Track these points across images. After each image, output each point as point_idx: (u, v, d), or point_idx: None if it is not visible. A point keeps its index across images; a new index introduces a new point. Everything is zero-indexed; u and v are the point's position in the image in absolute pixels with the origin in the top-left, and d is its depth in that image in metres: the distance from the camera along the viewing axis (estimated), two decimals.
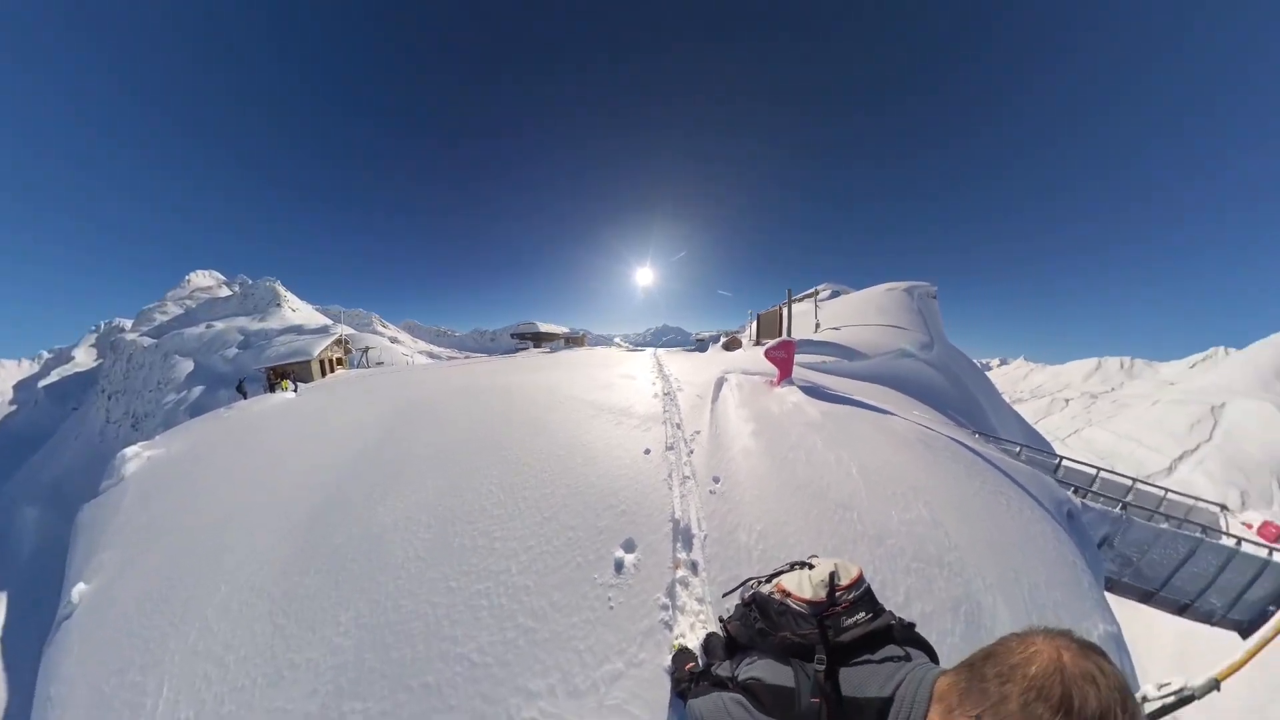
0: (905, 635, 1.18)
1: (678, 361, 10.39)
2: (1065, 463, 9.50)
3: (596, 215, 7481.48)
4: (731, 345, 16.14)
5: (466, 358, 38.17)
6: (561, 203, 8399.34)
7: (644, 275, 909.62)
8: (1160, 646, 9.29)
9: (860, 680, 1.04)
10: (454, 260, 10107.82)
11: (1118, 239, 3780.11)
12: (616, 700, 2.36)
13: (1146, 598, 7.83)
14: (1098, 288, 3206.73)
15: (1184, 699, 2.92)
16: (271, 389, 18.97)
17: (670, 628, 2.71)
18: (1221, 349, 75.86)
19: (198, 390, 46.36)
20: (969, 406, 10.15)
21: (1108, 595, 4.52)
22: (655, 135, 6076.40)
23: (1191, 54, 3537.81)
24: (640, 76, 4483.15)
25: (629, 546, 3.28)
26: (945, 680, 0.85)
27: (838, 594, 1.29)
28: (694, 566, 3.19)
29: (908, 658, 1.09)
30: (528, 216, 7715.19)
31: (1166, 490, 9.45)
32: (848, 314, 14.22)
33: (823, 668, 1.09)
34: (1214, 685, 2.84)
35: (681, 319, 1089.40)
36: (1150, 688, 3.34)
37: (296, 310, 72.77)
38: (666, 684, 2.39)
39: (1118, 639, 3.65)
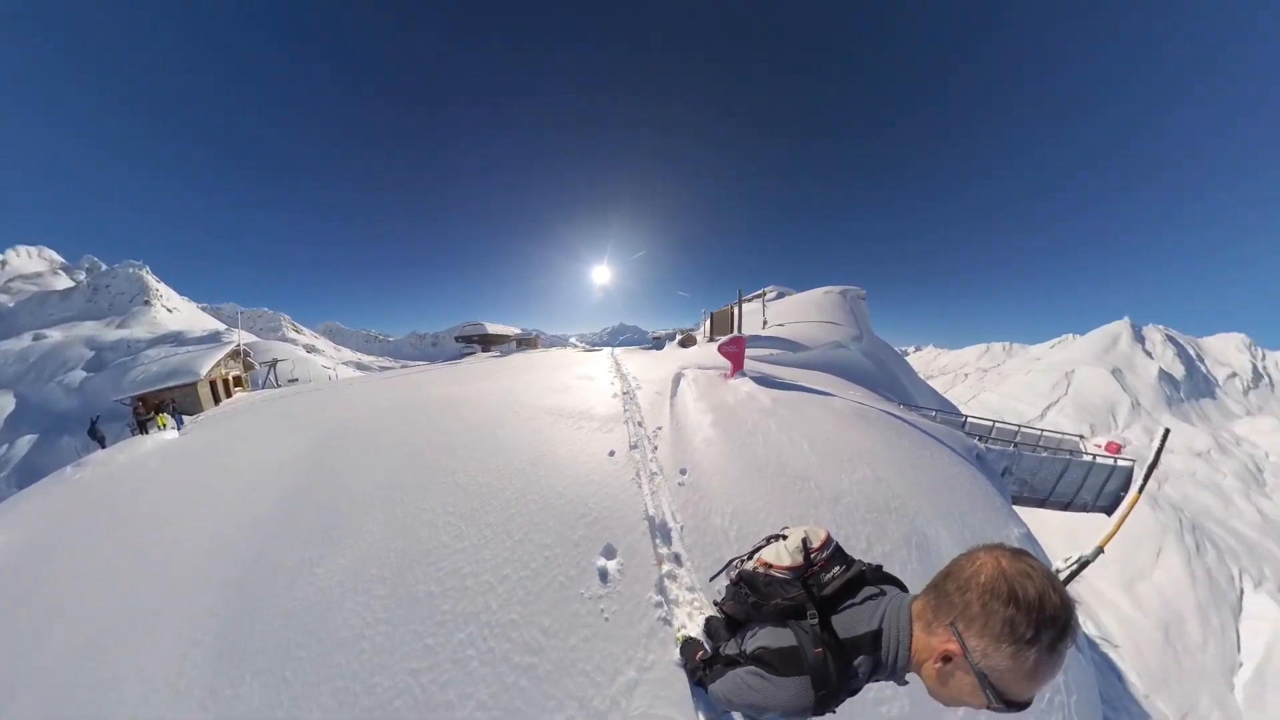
0: (877, 576, 1.34)
1: (636, 360, 10.22)
2: (969, 420, 11.62)
3: (552, 209, 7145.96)
4: (687, 342, 16.48)
5: (403, 367, 32.94)
6: (513, 192, 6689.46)
7: (601, 273, 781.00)
8: (1056, 535, 12.12)
9: (850, 622, 1.20)
10: (388, 251, 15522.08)
11: (996, 244, 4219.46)
12: (641, 708, 2.26)
13: (1041, 504, 10.47)
14: (987, 284, 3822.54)
15: (1083, 564, 3.92)
16: (143, 428, 13.93)
17: (669, 622, 2.68)
18: (1070, 335, 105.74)
19: (25, 442, 29.87)
20: (893, 385, 12.03)
21: (1015, 508, 5.44)
22: (618, 131, 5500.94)
23: (1058, 67, 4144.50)
24: (606, 68, 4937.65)
25: (609, 553, 3.15)
26: (918, 603, 1.06)
27: (812, 556, 1.45)
28: (677, 558, 3.19)
29: (883, 593, 1.25)
30: (475, 205, 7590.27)
31: (1042, 431, 12.13)
32: (791, 312, 16.14)
33: (816, 621, 1.24)
34: (1099, 551, 3.94)
35: (639, 318, 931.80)
36: (1059, 562, 4.30)
37: (174, 310, 52.68)
38: (683, 678, 2.34)
39: (1029, 536, 4.68)
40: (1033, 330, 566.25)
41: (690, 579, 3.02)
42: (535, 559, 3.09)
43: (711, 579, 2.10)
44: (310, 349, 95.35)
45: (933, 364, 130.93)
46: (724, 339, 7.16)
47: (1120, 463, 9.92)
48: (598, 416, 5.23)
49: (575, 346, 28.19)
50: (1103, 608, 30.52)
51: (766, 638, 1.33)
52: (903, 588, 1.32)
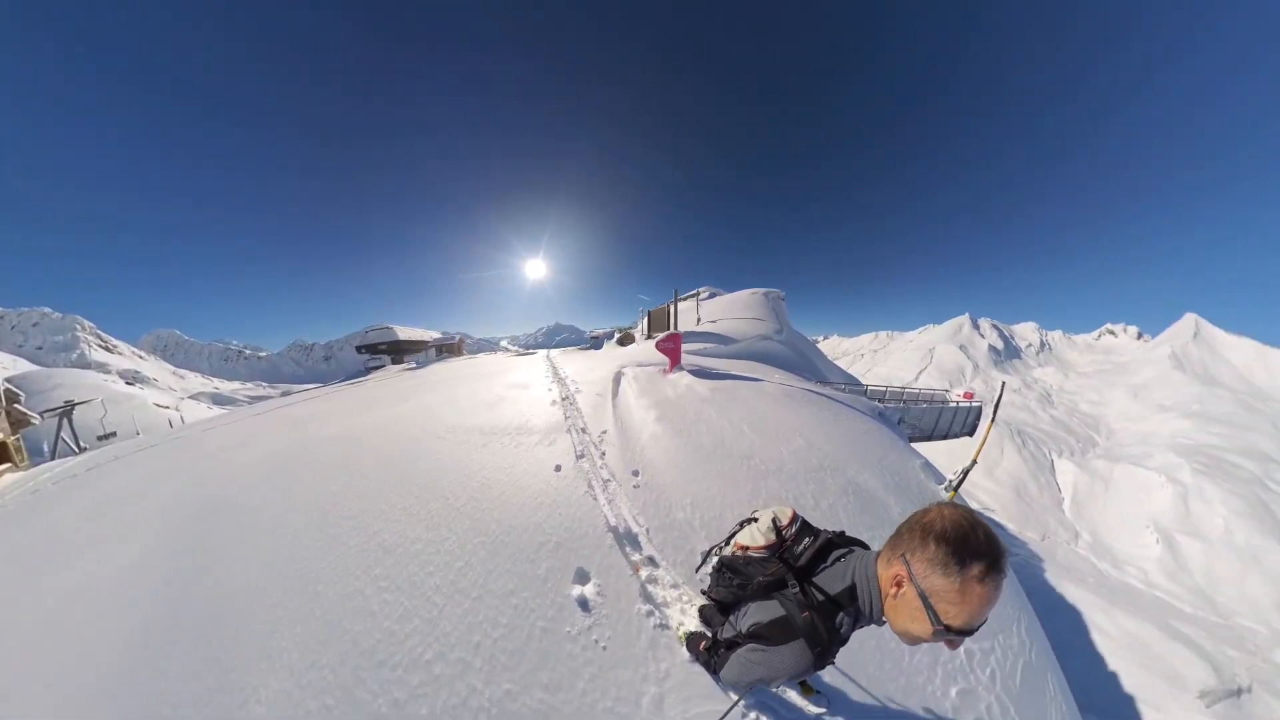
0: (841, 540, 1.50)
1: (574, 361, 9.74)
2: (869, 388, 14.68)
3: (478, 193, 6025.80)
4: (625, 340, 16.20)
5: (284, 394, 21.17)
6: (429, 170, 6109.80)
7: (536, 268, 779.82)
8: (941, 458, 15.15)
9: (827, 583, 1.34)
10: (256, 231, 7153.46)
11: (880, 248, 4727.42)
12: (678, 715, 2.07)
13: (927, 439, 14.02)
14: (874, 282, 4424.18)
15: (966, 471, 4.78)
16: None
17: (667, 625, 2.51)
18: (930, 324, 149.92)
19: None
20: (810, 368, 14.13)
21: (912, 445, 6.92)
22: (553, 108, 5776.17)
23: (939, 96, 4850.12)
24: (536, 41, 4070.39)
25: (582, 578, 2.83)
26: (882, 554, 1.24)
27: (783, 532, 1.61)
28: (652, 561, 3.03)
29: (851, 553, 1.41)
30: (380, 183, 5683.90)
31: (919, 390, 15.75)
32: (722, 310, 17.41)
33: (797, 589, 1.37)
34: (974, 462, 4.93)
35: (577, 317, 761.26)
36: (950, 475, 5.00)
37: None
38: (701, 671, 2.21)
39: (926, 464, 5.50)
40: (906, 320, 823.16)
41: (671, 576, 2.89)
42: (504, 613, 2.57)
43: (696, 570, 2.14)
44: (133, 378, 66.91)
45: (837, 349, 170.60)
46: (661, 336, 7.22)
47: (973, 404, 14.27)
48: (537, 429, 4.78)
49: (507, 351, 25.29)
50: (977, 490, 49.33)
51: (757, 613, 1.45)
52: (865, 546, 1.47)
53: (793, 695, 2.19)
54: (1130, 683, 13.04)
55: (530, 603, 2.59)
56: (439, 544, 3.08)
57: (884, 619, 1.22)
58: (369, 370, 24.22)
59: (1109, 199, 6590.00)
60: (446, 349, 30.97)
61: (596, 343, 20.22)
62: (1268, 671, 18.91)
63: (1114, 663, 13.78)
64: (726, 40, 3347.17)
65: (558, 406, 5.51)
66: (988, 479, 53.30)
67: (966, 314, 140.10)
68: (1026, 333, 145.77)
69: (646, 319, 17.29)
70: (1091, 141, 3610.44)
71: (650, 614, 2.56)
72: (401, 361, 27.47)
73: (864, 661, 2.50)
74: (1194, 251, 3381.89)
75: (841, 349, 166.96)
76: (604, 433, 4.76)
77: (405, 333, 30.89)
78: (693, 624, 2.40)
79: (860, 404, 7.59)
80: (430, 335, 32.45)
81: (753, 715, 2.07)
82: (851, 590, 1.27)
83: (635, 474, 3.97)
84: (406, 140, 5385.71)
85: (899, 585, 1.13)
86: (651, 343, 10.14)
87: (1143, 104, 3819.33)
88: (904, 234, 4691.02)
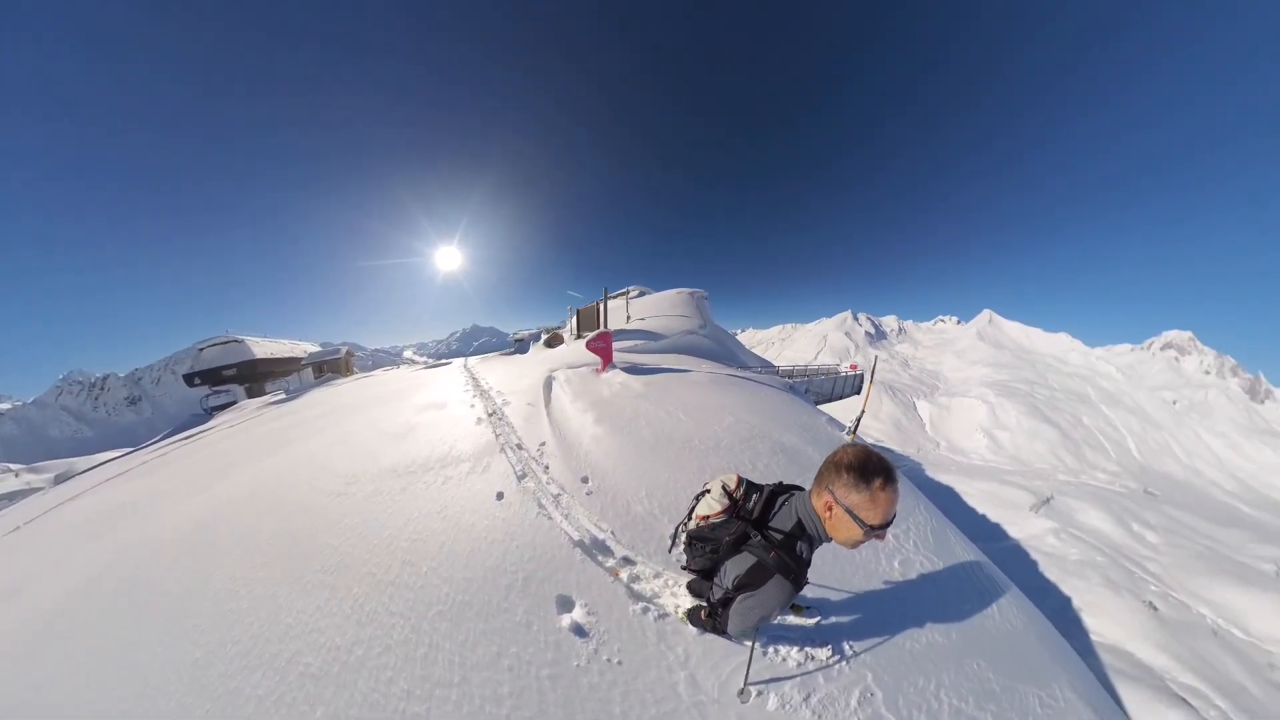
0: (781, 488, 1.80)
1: (497, 369, 8.56)
2: (780, 369, 17.63)
3: (375, 158, 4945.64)
4: (554, 341, 15.04)
5: (57, 480, 12.97)
6: (297, 117, 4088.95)
7: (450, 257, 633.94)
8: (841, 413, 17.77)
9: (780, 524, 1.66)
10: None
11: (786, 246, 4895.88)
12: (717, 686, 2.09)
13: (828, 401, 17.91)
14: (781, 279, 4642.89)
15: (858, 419, 5.71)
16: None
17: (665, 613, 2.48)
18: (823, 318, 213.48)
19: None
20: (731, 357, 15.13)
21: (818, 407, 7.88)
22: (477, 77, 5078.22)
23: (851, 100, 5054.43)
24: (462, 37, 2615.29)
25: (566, 604, 2.53)
26: (812, 491, 1.58)
27: (734, 495, 1.84)
28: (628, 560, 2.92)
29: (791, 496, 1.73)
30: (220, 129, 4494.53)
31: (819, 366, 20.25)
32: (651, 309, 17.81)
33: (759, 536, 1.65)
34: (863, 411, 5.86)
35: (498, 317, 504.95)
36: (848, 424, 5.74)
37: None
38: (717, 639, 2.26)
39: (830, 420, 6.39)
40: (805, 314, 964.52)
41: (650, 567, 2.83)
42: (500, 683, 2.09)
43: (669, 551, 2.30)
44: None
45: (753, 339, 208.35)
46: (592, 335, 7.04)
47: (857, 373, 19.73)
48: (466, 455, 4.20)
49: (413, 363, 20.35)
50: (868, 430, 62.85)
51: (735, 567, 1.69)
52: (800, 489, 1.75)
53: (790, 619, 2.44)
54: (993, 515, 21.69)
55: (523, 656, 2.21)
56: (384, 639, 2.30)
57: (829, 537, 1.55)
58: (211, 412, 17.07)
59: (937, 216, 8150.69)
60: (328, 367, 22.45)
61: (521, 346, 18.08)
62: (1056, 486, 36.77)
63: (981, 509, 22.78)
64: (661, 47, 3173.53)
65: (485, 424, 4.91)
66: (874, 421, 79.48)
67: (849, 309, 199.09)
68: (890, 322, 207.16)
69: (575, 318, 16.64)
70: (928, 168, 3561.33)
71: (646, 610, 2.48)
72: (262, 392, 20.37)
73: (829, 572, 2.85)
74: (989, 261, 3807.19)
75: (756, 339, 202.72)
76: (543, 445, 4.41)
77: (265, 347, 22.07)
78: (687, 601, 2.47)
79: (775, 382, 8.40)
80: (304, 349, 24.09)
81: (770, 649, 2.23)
82: (800, 524, 1.60)
83: (585, 481, 3.81)
84: (261, 75, 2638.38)
85: (830, 509, 1.49)
86: (581, 343, 9.83)
87: (955, 128, 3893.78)
88: (803, 243, 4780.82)
